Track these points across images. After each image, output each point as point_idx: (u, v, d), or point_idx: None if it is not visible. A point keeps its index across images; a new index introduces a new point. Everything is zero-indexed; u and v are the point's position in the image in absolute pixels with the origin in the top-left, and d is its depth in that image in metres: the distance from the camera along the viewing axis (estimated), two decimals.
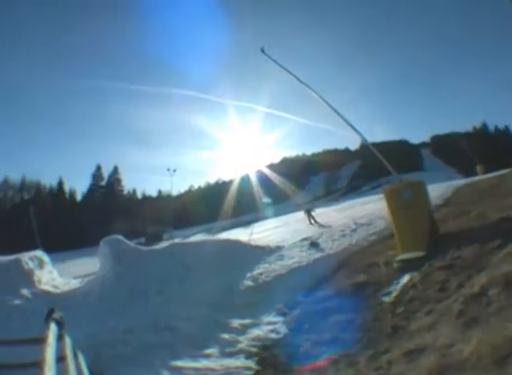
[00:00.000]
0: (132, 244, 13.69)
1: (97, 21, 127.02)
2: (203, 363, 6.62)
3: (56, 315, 4.91)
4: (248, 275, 11.05)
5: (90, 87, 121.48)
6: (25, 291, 11.76)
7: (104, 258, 12.93)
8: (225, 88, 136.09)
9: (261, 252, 13.19)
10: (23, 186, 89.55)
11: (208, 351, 7.03)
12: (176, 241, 30.43)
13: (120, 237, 13.78)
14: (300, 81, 13.55)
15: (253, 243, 14.97)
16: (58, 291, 12.42)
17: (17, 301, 11.27)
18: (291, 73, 13.60)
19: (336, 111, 12.54)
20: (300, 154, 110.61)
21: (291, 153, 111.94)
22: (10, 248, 17.59)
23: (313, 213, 24.31)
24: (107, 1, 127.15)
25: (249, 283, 10.59)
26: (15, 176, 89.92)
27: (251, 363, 6.41)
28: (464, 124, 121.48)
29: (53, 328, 4.41)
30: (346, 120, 12.32)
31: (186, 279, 10.76)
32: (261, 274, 11.10)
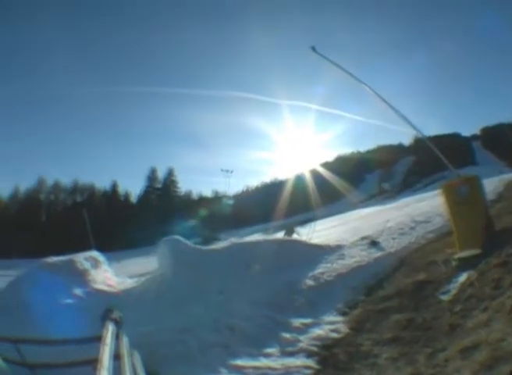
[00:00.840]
0: (191, 243, 13.72)
1: (150, 28, 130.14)
2: (263, 362, 6.62)
3: (114, 314, 4.86)
4: (310, 274, 10.90)
5: (143, 92, 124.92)
6: (78, 291, 12.01)
7: (163, 258, 13.05)
8: (277, 88, 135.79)
9: (321, 251, 13.01)
10: (76, 189, 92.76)
11: (268, 350, 7.02)
12: (232, 240, 30.53)
13: (179, 237, 13.87)
14: (353, 76, 13.43)
15: (313, 242, 14.75)
16: (113, 289, 12.62)
17: (69, 301, 11.47)
18: (343, 69, 13.48)
19: (389, 105, 12.48)
20: (355, 151, 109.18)
21: (345, 151, 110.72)
22: (63, 250, 18.04)
23: (295, 235, 20.61)
24: (157, 8, 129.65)
25: (310, 282, 10.44)
26: (66, 180, 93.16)
27: (312, 362, 6.41)
28: None
29: (111, 327, 4.35)
30: (400, 114, 12.25)
31: (247, 278, 10.70)
32: (322, 273, 10.97)
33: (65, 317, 10.77)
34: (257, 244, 13.06)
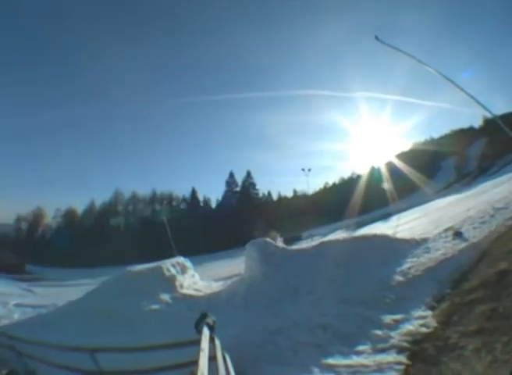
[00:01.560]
0: (278, 245, 13.88)
1: (216, 36, 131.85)
2: (355, 360, 6.72)
3: (209, 319, 4.98)
4: (398, 270, 10.93)
5: (217, 101, 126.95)
6: (165, 296, 12.45)
7: (251, 260, 13.29)
8: (350, 81, 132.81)
9: (407, 246, 13.00)
10: (154, 198, 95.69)
11: (360, 347, 7.11)
12: (315, 239, 30.40)
13: (267, 239, 14.06)
14: (420, 61, 13.28)
15: (398, 236, 14.55)
16: (200, 293, 12.98)
17: (155, 306, 11.87)
18: (409, 55, 13.36)
19: (458, 86, 12.33)
20: (428, 139, 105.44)
21: (419, 139, 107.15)
22: (145, 258, 18.65)
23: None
24: (222, 16, 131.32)
25: (399, 278, 10.46)
26: (143, 191, 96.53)
27: (402, 358, 6.48)
28: None
29: (206, 332, 4.45)
30: (468, 94, 11.92)
31: (336, 276, 10.78)
32: (410, 268, 10.95)
33: (151, 323, 11.17)
34: (345, 241, 13.07)
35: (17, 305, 22.98)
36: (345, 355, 6.96)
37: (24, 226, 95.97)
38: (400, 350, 6.78)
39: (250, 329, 8.66)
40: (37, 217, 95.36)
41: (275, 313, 9.73)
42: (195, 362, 5.18)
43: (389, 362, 6.39)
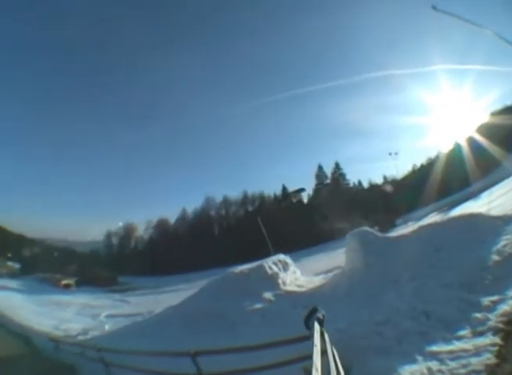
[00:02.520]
0: (378, 233, 13.76)
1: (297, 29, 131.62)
2: (456, 345, 6.81)
3: (319, 313, 5.04)
4: (494, 248, 10.69)
5: (296, 95, 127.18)
6: (267, 295, 12.77)
7: (351, 251, 13.46)
8: (422, 55, 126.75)
9: (501, 223, 12.68)
10: (246, 199, 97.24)
11: (461, 332, 7.23)
12: (410, 224, 29.72)
13: (367, 228, 13.98)
14: (483, 27, 12.74)
15: (492, 214, 14.10)
16: (302, 289, 13.22)
17: (258, 306, 12.12)
18: (468, 21, 12.84)
19: None
20: (506, 108, 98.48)
21: (496, 109, 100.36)
22: (241, 259, 18.99)
23: None
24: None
25: (495, 257, 10.26)
26: (234, 194, 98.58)
27: (497, 339, 6.54)
28: None
29: (317, 327, 4.52)
30: None
31: (437, 261, 10.80)
32: (505, 246, 10.70)
33: (255, 322, 11.38)
34: (440, 224, 13.01)
35: (108, 316, 24.31)
36: (447, 340, 7.05)
37: (115, 240, 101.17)
38: (496, 331, 6.82)
39: (356, 321, 8.85)
40: (128, 231, 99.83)
41: (379, 303, 9.88)
42: (303, 359, 5.31)
43: (485, 345, 6.46)
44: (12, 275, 77.11)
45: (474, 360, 6.11)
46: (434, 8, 13.18)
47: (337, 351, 5.40)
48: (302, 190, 69.56)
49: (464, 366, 6.06)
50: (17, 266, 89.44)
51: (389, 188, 52.82)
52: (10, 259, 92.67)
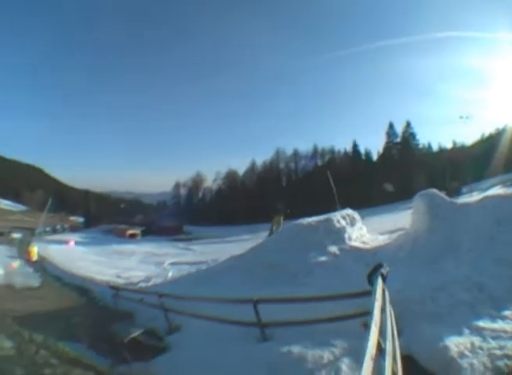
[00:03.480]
0: (446, 197, 13.44)
1: None
2: (499, 324, 6.88)
3: (384, 269, 5.11)
4: None
5: (364, 51, 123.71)
6: (333, 248, 12.92)
7: (418, 214, 13.42)
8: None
9: None
10: (316, 153, 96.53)
11: (506, 312, 7.22)
12: (474, 195, 28.73)
13: (435, 190, 13.67)
14: None
15: None
16: (367, 246, 13.33)
17: (322, 258, 12.28)
18: None
19: None
20: None
21: None
22: (308, 212, 19.11)
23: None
24: None
25: None
26: (304, 148, 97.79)
27: None
28: None
29: (380, 282, 4.59)
30: None
31: (496, 235, 10.36)
32: None
33: (317, 274, 11.58)
34: (506, 197, 12.22)
35: (173, 264, 25.20)
36: (493, 318, 7.12)
37: (183, 191, 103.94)
38: None
39: (414, 284, 8.89)
40: (196, 182, 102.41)
41: (438, 269, 9.93)
42: (361, 314, 5.44)
43: None
44: (76, 228, 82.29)
45: (510, 344, 6.17)
46: None
47: (394, 312, 5.50)
48: None
49: (501, 348, 6.12)
50: (81, 219, 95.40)
51: (389, 188, 51.20)
52: (74, 214, 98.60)
